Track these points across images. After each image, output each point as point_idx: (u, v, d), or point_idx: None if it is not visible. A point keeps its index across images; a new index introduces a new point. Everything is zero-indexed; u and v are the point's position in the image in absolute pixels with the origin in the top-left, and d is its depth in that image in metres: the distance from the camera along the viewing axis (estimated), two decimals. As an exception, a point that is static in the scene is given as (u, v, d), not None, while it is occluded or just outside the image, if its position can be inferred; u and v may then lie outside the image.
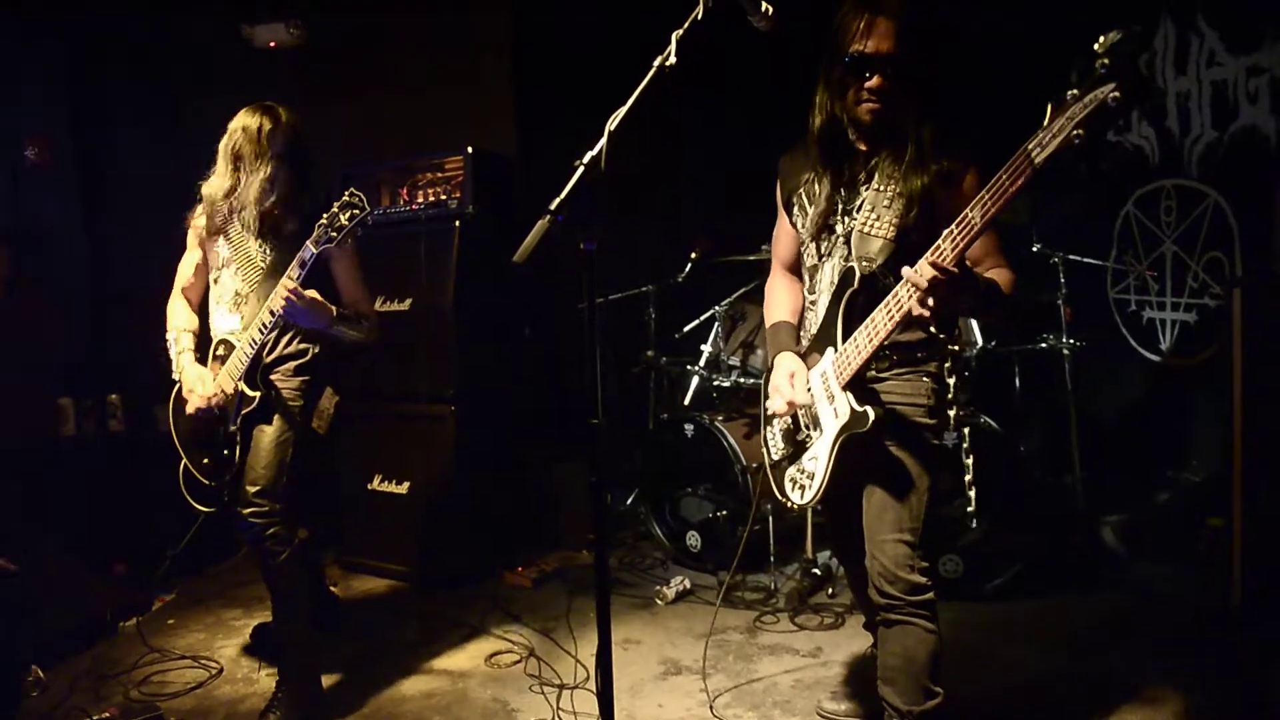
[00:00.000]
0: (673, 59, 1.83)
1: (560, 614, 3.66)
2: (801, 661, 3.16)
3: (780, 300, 2.39)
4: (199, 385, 2.89)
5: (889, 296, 1.93)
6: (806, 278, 2.26)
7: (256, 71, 5.04)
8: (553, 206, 1.71)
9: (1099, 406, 4.50)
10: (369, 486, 4.25)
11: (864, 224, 2.07)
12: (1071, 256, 3.97)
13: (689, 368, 4.47)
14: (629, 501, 4.80)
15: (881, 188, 2.06)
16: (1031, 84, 4.33)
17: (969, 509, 2.24)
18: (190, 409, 2.93)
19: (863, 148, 2.12)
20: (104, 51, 5.43)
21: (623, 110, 1.79)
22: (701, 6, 1.86)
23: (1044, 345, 3.93)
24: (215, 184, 2.92)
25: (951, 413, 2.12)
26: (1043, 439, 4.23)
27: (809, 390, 2.16)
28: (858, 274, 2.03)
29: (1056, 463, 4.17)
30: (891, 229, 2.03)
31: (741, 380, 4.20)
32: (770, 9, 1.98)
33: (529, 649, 3.34)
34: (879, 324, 1.96)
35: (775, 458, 2.34)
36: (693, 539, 4.12)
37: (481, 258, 4.20)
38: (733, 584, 3.80)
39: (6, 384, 4.58)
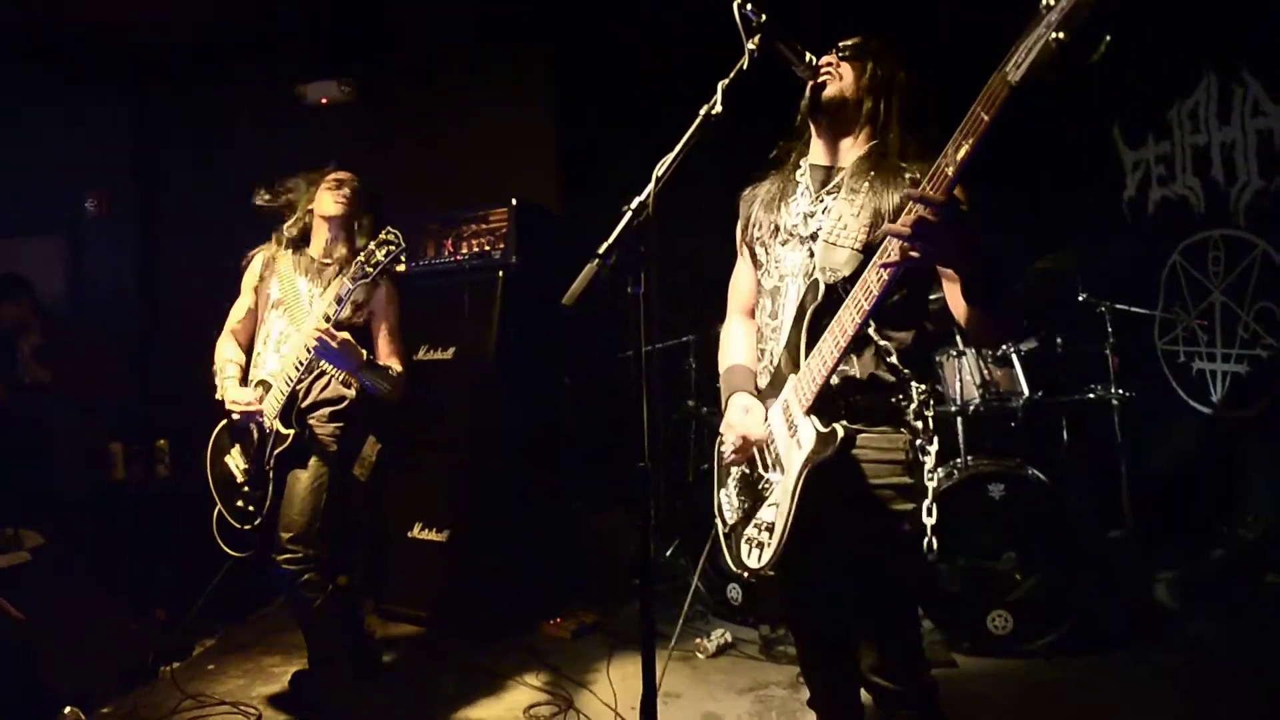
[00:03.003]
0: (719, 108, 1.86)
1: (600, 666, 3.61)
2: (846, 718, 3.08)
3: (736, 344, 2.24)
4: (240, 397, 2.97)
5: (856, 287, 1.76)
6: (768, 302, 2.08)
7: (308, 127, 5.19)
8: (601, 250, 1.73)
9: (1149, 459, 4.40)
10: (410, 535, 4.25)
11: (830, 233, 1.94)
12: (1118, 306, 3.92)
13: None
14: (669, 553, 4.75)
15: (851, 198, 1.95)
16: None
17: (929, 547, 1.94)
18: (236, 414, 3.01)
19: (827, 161, 2.07)
20: (163, 109, 5.64)
21: (670, 156, 1.82)
22: (746, 57, 1.89)
23: (1091, 396, 3.86)
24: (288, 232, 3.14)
25: (930, 481, 1.84)
26: (1091, 492, 4.15)
27: (768, 427, 1.99)
28: (821, 285, 1.88)
29: (1106, 517, 4.07)
30: (859, 240, 1.89)
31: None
32: (814, 58, 2.01)
33: (568, 701, 3.29)
34: (845, 322, 1.77)
35: (730, 520, 2.09)
36: (733, 591, 4.06)
37: (524, 307, 4.24)
38: (775, 638, 3.73)
39: (64, 429, 4.69)
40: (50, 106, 5.51)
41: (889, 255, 1.66)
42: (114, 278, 5.58)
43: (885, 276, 1.68)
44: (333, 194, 3.10)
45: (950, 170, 1.54)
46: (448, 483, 4.20)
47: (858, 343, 1.84)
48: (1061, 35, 1.35)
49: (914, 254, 1.59)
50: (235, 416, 3.04)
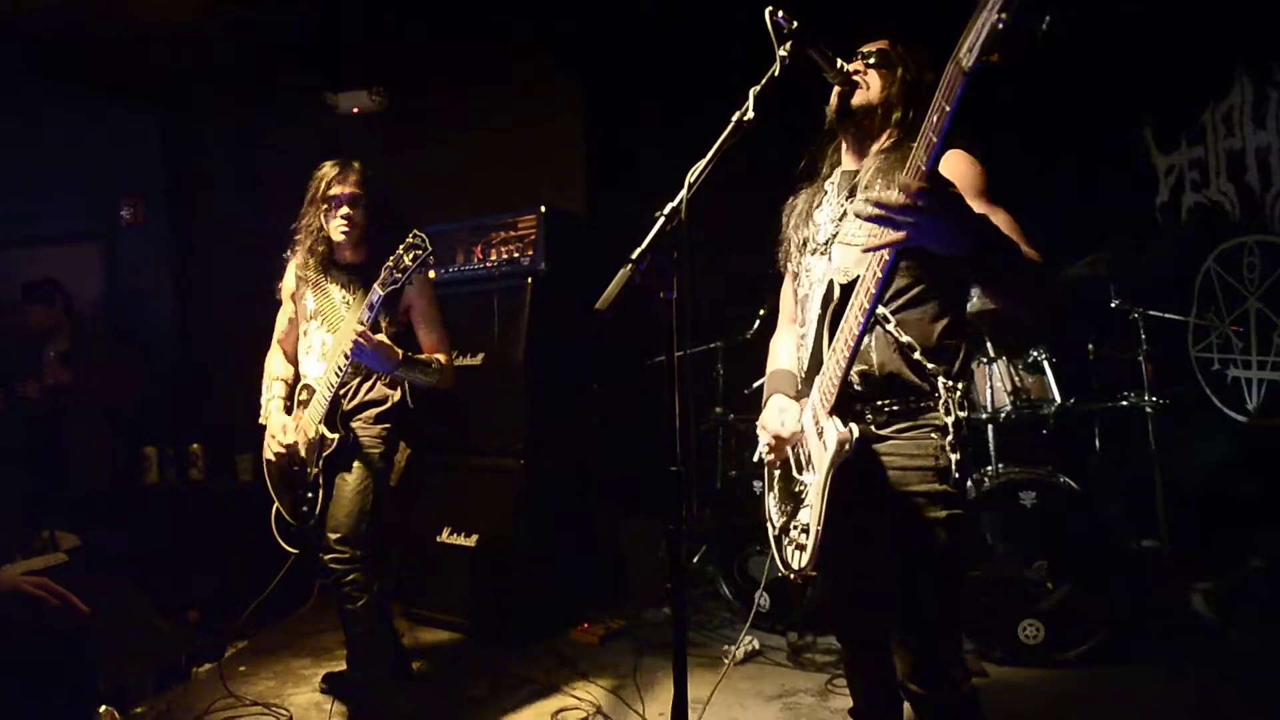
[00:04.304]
0: (750, 114, 1.87)
1: (627, 672, 3.61)
2: (876, 726, 3.06)
3: (781, 350, 2.26)
4: (279, 433, 3.00)
5: (858, 283, 1.77)
6: (800, 311, 2.12)
7: (340, 136, 5.25)
8: (634, 255, 1.73)
9: (1184, 467, 4.33)
10: (438, 539, 4.27)
11: (846, 235, 1.97)
12: (1152, 312, 3.88)
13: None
14: (696, 560, 4.74)
15: (866, 197, 1.93)
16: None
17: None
18: (268, 454, 3.04)
19: (855, 166, 2.08)
20: (197, 118, 5.73)
21: (702, 162, 1.82)
22: (778, 64, 1.89)
23: (1125, 403, 3.82)
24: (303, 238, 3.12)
25: (968, 482, 1.85)
26: (1125, 501, 4.09)
27: (801, 425, 2.00)
28: (836, 285, 1.89)
29: (1140, 525, 4.02)
30: (871, 238, 1.81)
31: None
32: (845, 65, 2.01)
33: (596, 707, 3.30)
34: (850, 319, 1.77)
35: (778, 525, 2.10)
36: (762, 598, 4.05)
37: (552, 314, 4.26)
38: (802, 645, 3.72)
39: (90, 432, 4.77)
40: (86, 117, 5.62)
41: (875, 241, 1.65)
42: (148, 284, 5.67)
43: (876, 266, 1.68)
44: (334, 219, 3.04)
45: (922, 164, 1.55)
46: (477, 488, 4.22)
47: (873, 338, 1.89)
48: (1004, 16, 1.37)
49: (898, 234, 1.57)
50: (269, 457, 3.08)
